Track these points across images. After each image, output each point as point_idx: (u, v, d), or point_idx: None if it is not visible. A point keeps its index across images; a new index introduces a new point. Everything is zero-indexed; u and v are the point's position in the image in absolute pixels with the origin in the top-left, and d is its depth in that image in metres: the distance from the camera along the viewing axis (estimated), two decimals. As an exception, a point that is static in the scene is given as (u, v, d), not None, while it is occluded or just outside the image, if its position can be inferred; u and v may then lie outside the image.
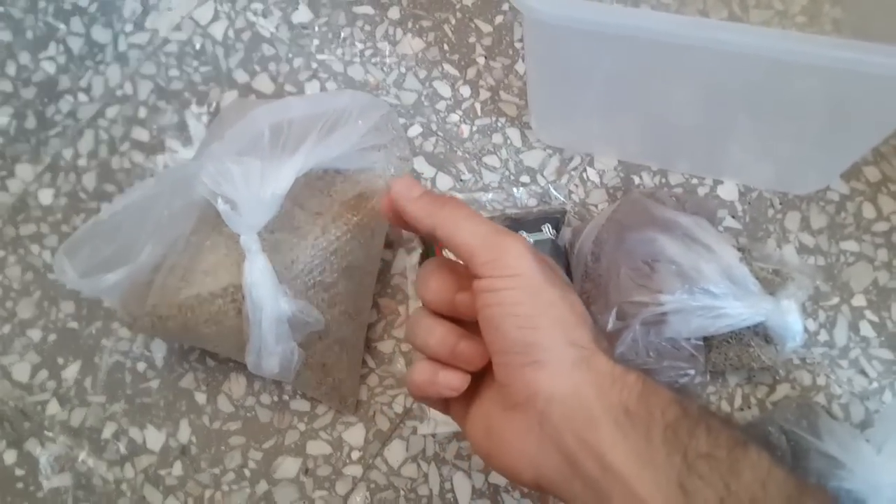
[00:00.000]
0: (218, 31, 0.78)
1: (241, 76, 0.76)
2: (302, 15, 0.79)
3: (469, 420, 0.44)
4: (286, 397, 0.65)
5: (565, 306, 0.41)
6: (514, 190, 0.71)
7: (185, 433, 0.64)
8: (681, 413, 0.38)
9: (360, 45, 0.77)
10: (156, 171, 0.72)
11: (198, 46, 0.77)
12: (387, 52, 0.77)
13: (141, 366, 0.66)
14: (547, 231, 0.66)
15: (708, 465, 0.36)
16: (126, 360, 0.67)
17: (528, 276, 0.40)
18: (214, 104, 0.75)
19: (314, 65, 0.77)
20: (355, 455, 0.63)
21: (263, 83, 0.76)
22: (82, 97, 0.76)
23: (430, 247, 0.66)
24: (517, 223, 0.67)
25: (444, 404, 0.47)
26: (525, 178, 0.71)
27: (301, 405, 0.64)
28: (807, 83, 0.55)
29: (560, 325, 0.40)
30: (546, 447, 0.39)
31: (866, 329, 0.66)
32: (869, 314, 0.67)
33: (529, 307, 0.40)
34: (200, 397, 0.65)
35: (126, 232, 0.57)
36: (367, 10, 0.79)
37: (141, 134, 0.74)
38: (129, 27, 0.79)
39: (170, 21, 0.78)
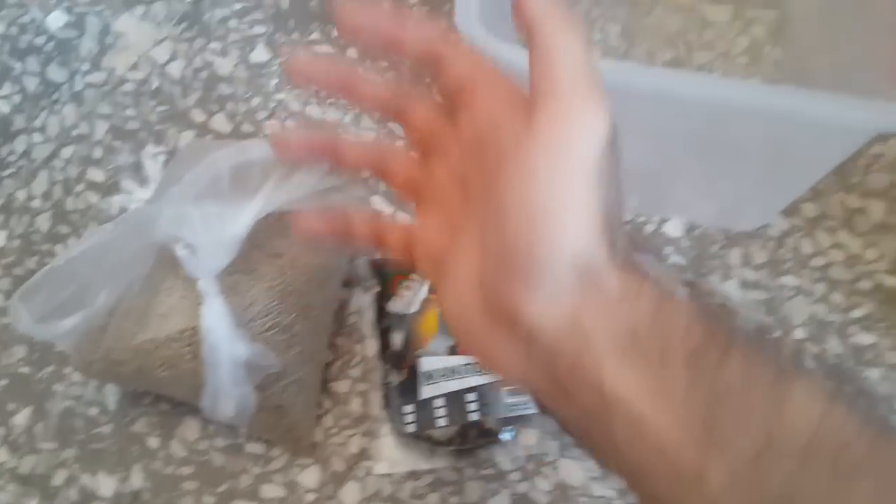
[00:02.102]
0: (175, 70, 0.79)
1: (198, 115, 0.77)
2: (260, 54, 0.80)
3: (442, 293, 0.37)
4: (240, 440, 0.65)
5: (597, 202, 0.31)
6: (469, 228, 0.72)
7: (137, 479, 0.64)
8: (708, 336, 0.30)
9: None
10: (111, 213, 0.72)
11: (155, 86, 0.78)
12: (344, 92, 0.78)
13: (93, 411, 0.66)
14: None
15: (742, 404, 0.29)
16: (78, 405, 0.66)
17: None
18: (171, 144, 0.75)
19: (272, 104, 0.78)
20: (310, 497, 0.63)
21: (221, 123, 0.77)
22: (37, 137, 0.76)
23: (387, 286, 0.67)
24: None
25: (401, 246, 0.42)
26: (479, 216, 0.73)
27: (256, 448, 0.64)
28: (747, 127, 0.58)
29: (574, 228, 0.31)
30: (535, 372, 0.33)
31: (807, 362, 0.69)
32: (809, 346, 0.69)
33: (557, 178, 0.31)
34: (153, 442, 0.65)
35: (82, 277, 0.57)
36: (326, 49, 0.80)
37: (96, 174, 0.74)
38: (85, 66, 0.79)
39: (127, 60, 0.79)
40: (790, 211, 0.74)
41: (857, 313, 0.71)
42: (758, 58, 0.80)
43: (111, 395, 0.66)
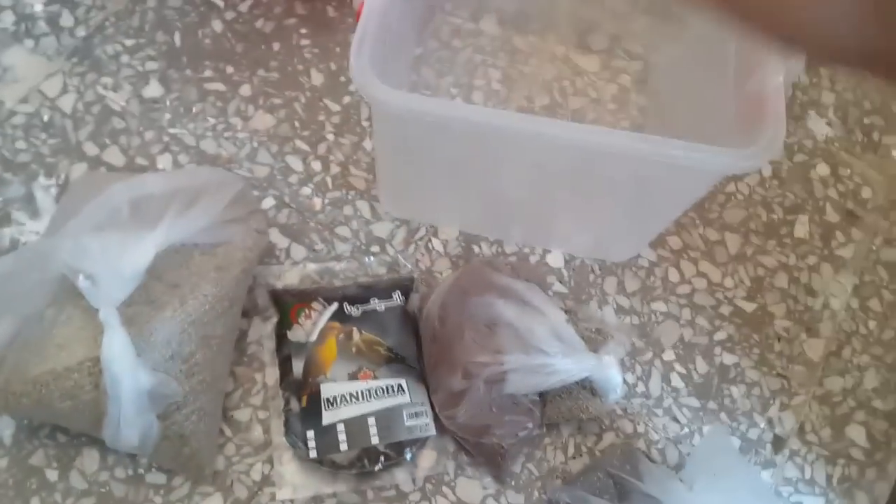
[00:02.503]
0: (67, 104, 0.78)
1: (90, 149, 0.77)
2: (153, 90, 0.81)
3: None
4: (141, 470, 0.64)
5: None
6: (365, 259, 0.75)
7: (34, 512, 0.63)
8: None
9: (212, 120, 0.80)
10: (2, 244, 0.70)
11: (46, 118, 0.77)
12: (239, 127, 0.80)
13: (-12, 445, 0.64)
14: (397, 298, 0.71)
15: None
16: (-29, 439, 0.64)
17: None
18: (63, 176, 0.75)
19: (166, 138, 0.78)
20: (214, 524, 0.64)
21: (114, 156, 0.77)
22: (-82, 168, 0.74)
23: (286, 316, 0.69)
24: (369, 290, 0.71)
25: None
26: (375, 248, 0.76)
27: (157, 478, 0.64)
28: (615, 168, 0.64)
29: None
30: None
31: (676, 380, 0.75)
32: (678, 367, 0.76)
33: None
34: (52, 474, 0.63)
35: (-23, 309, 0.56)
36: (219, 86, 0.82)
37: (-14, 206, 0.73)
38: (-28, 98, 0.77)
39: (16, 93, 0.78)
40: (657, 243, 0.81)
41: (719, 335, 0.78)
42: (624, 104, 0.88)
43: (6, 427, 0.64)
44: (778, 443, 0.74)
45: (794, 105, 0.92)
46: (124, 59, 0.82)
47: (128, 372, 0.55)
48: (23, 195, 0.73)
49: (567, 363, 0.64)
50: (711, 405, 0.75)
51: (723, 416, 0.74)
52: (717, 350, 0.78)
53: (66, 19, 0.83)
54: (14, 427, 0.64)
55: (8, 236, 0.71)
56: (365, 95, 0.57)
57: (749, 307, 0.80)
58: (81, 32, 0.82)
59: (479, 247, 0.78)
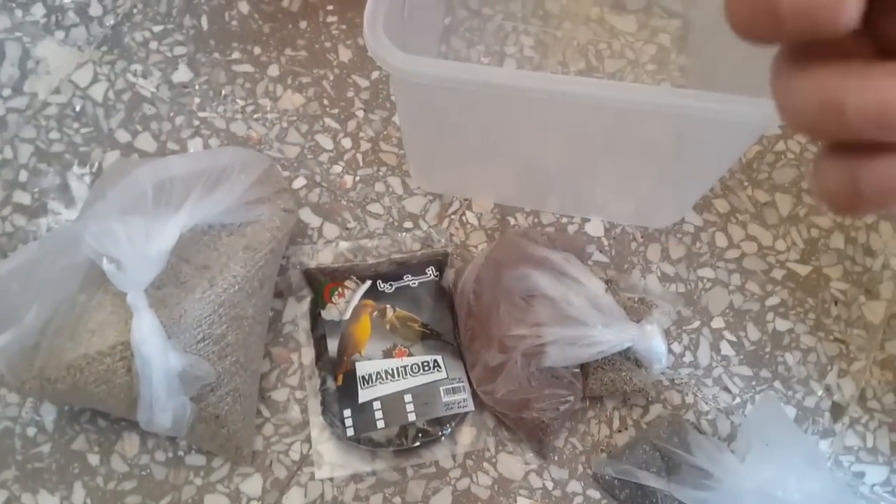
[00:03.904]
0: (98, 92, 0.79)
1: (122, 136, 0.77)
2: (182, 74, 0.81)
3: None
4: (181, 453, 0.65)
5: None
6: (399, 235, 0.74)
7: (79, 496, 0.63)
8: None
9: (241, 102, 0.80)
10: (39, 235, 0.71)
11: (78, 108, 0.78)
12: (268, 108, 0.80)
13: (31, 430, 0.65)
14: (431, 273, 0.70)
15: None
16: (15, 425, 0.65)
17: None
18: (97, 164, 0.75)
19: (196, 122, 0.78)
20: (254, 505, 0.64)
21: (146, 142, 0.77)
22: (-43, 163, 0.75)
23: (320, 295, 0.68)
24: (402, 267, 0.70)
25: None
26: (408, 224, 0.75)
27: (196, 459, 0.65)
28: (653, 127, 0.61)
29: None
30: None
31: (726, 348, 0.72)
32: (728, 335, 0.73)
33: None
34: (93, 458, 0.64)
35: (11, 296, 0.57)
36: (247, 67, 0.82)
37: (23, 197, 0.74)
38: (7, 91, 0.78)
39: (48, 84, 0.79)
40: (703, 207, 0.78)
41: (772, 301, 0.75)
42: (665, 64, 0.84)
43: (48, 413, 0.66)
44: (837, 411, 0.70)
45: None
46: (153, 45, 0.82)
47: (158, 354, 0.55)
48: (58, 185, 0.74)
49: (607, 334, 0.62)
50: (764, 373, 0.71)
51: (777, 384, 0.71)
52: (770, 316, 0.74)
53: (95, 9, 0.83)
54: (56, 413, 0.65)
55: (45, 226, 0.72)
56: (381, 63, 0.55)
57: (803, 270, 0.76)
58: (110, 21, 0.83)
59: (515, 218, 0.76)
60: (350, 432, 0.63)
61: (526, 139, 0.67)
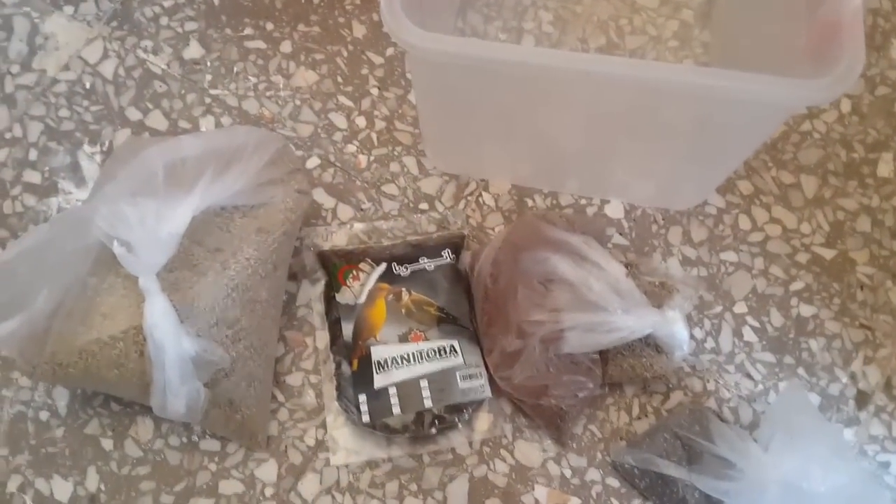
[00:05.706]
0: (108, 69, 0.77)
1: (133, 114, 0.76)
2: (193, 51, 0.79)
3: None
4: (195, 438, 0.64)
5: None
6: (414, 217, 0.72)
7: (93, 481, 0.63)
8: None
9: (253, 80, 0.78)
10: (49, 215, 0.70)
11: (88, 85, 0.76)
12: (281, 86, 0.78)
13: (44, 415, 0.65)
14: (447, 256, 0.68)
15: None
16: (28, 409, 0.65)
17: None
18: (107, 143, 0.74)
19: (208, 100, 0.77)
20: (269, 491, 0.63)
21: (157, 120, 0.76)
22: (-33, 141, 0.74)
23: (334, 278, 0.67)
24: (418, 249, 0.68)
25: None
26: (423, 205, 0.73)
27: (211, 445, 0.64)
28: (676, 107, 0.59)
29: None
30: None
31: (749, 334, 0.71)
32: (750, 320, 0.71)
33: None
34: (107, 443, 0.64)
35: (21, 279, 0.56)
36: (259, 44, 0.80)
37: (33, 176, 0.73)
38: (15, 68, 0.77)
39: (58, 61, 0.77)
40: (726, 189, 0.76)
41: (796, 285, 0.73)
42: (687, 41, 0.82)
43: (61, 398, 0.65)
44: (862, 398, 0.69)
45: (875, 34, 0.84)
46: (163, 20, 0.80)
47: (171, 338, 0.54)
48: (68, 164, 0.73)
49: (627, 319, 0.61)
50: (788, 360, 0.70)
51: (800, 371, 0.70)
52: (794, 301, 0.72)
53: (105, -17, 0.82)
54: (68, 397, 0.65)
55: (55, 206, 0.71)
56: (397, 40, 0.53)
57: (828, 254, 0.74)
58: (120, -4, 0.81)
59: (533, 200, 0.74)
60: (365, 418, 0.62)
61: (544, 118, 0.65)
